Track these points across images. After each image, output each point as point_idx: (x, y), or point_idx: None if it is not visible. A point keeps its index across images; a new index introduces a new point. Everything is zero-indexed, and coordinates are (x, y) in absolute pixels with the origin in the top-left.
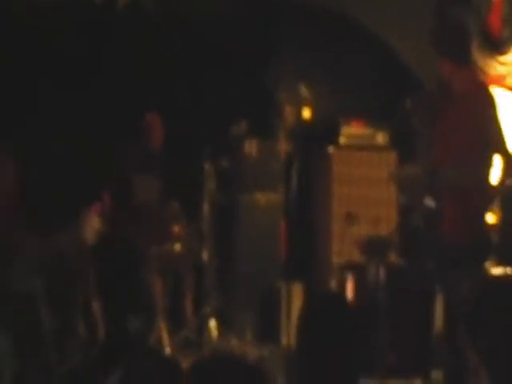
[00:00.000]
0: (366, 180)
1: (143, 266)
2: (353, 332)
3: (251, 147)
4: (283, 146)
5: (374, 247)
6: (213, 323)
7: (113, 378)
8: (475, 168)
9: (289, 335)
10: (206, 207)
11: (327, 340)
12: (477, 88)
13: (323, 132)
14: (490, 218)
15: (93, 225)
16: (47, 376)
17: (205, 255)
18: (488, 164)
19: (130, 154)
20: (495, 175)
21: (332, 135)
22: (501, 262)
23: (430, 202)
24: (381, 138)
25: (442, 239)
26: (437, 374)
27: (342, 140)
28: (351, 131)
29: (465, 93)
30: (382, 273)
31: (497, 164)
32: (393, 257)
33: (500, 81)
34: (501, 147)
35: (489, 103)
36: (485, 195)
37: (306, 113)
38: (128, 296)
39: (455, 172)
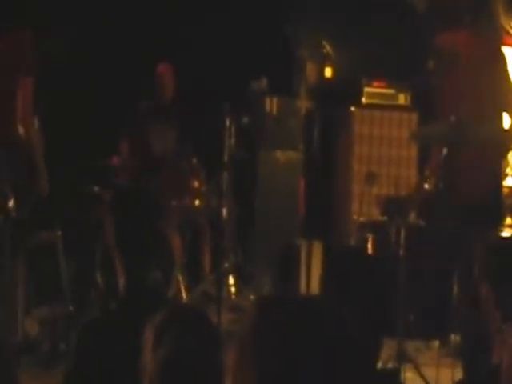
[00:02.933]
0: (386, 140)
1: (164, 219)
2: (375, 283)
3: (272, 104)
4: (304, 104)
5: (394, 207)
6: (231, 280)
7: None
8: (491, 126)
9: (308, 293)
10: (225, 163)
11: (351, 292)
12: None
13: (345, 91)
14: None
15: None
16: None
17: (224, 211)
18: (501, 123)
19: (144, 104)
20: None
21: (354, 94)
22: None
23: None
24: (402, 98)
25: (459, 199)
26: (455, 338)
27: (364, 99)
28: (373, 91)
29: (474, 54)
30: (403, 233)
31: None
32: (413, 217)
33: None
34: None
35: (497, 61)
36: (500, 153)
37: (328, 71)
38: (148, 249)
39: (477, 128)
